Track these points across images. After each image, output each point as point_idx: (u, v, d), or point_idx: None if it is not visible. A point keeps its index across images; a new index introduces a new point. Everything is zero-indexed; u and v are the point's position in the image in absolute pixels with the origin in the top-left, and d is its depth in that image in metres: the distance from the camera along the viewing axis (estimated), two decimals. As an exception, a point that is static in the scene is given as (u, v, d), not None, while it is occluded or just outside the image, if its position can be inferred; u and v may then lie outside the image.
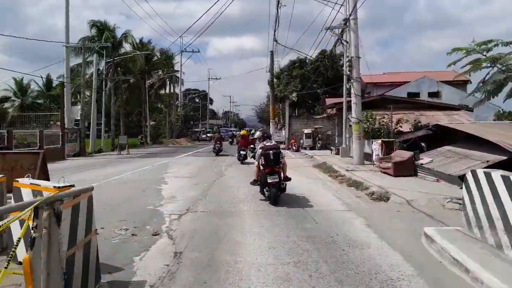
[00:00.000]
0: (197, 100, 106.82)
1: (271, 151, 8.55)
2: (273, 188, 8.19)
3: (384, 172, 12.29)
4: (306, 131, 28.71)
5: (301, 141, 29.23)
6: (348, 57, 16.43)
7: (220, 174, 14.12)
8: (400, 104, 20.89)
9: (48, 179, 7.03)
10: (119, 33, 37.04)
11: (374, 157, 14.79)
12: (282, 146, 30.76)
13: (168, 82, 54.37)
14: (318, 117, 31.84)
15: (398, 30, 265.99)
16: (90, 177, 13.09)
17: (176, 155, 24.80)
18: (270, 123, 21.18)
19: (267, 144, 8.98)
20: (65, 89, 25.64)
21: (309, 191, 10.13)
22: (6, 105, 77.26)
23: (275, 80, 36.18)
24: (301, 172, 14.40)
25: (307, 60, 39.07)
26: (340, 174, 13.10)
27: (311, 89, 39.56)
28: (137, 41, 42.14)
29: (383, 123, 17.75)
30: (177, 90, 59.24)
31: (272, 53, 36.43)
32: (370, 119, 18.10)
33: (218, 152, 23.17)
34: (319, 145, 28.16)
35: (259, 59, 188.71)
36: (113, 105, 35.49)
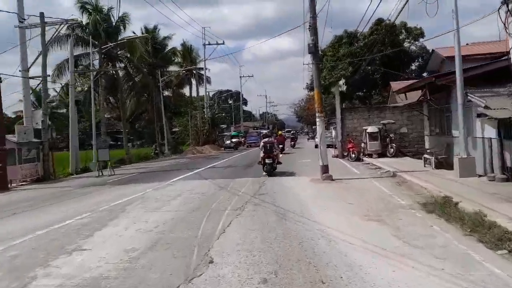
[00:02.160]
0: (230, 102, 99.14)
1: (268, 144, 14.78)
2: (269, 166, 14.31)
3: None
4: (369, 129, 19.22)
5: (362, 144, 19.83)
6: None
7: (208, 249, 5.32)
8: None
9: None
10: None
11: None
12: (332, 152, 21.67)
13: (192, 81, 46.68)
14: (386, 106, 22.00)
15: None
16: None
17: (178, 174, 16.41)
18: (317, 119, 11.86)
19: (266, 140, 15.27)
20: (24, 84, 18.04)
21: None
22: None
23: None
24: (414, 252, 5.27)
25: (358, 35, 29.49)
26: None
27: (365, 72, 29.87)
28: (143, 29, 34.50)
29: None
30: (202, 90, 51.49)
31: None
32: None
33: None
34: (392, 150, 18.61)
35: (296, 59, 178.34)
36: (93, 107, 27.50)
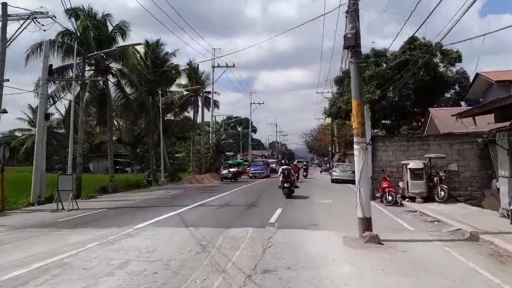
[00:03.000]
0: (239, 129, 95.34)
1: (285, 171, 17.06)
2: (287, 189, 16.77)
3: None
4: (412, 164, 14.64)
5: (401, 184, 15.31)
6: None
7: None
8: None
9: None
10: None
11: None
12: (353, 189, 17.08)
13: (198, 104, 42.94)
14: (430, 136, 17.45)
15: None
16: None
17: (153, 215, 12.06)
18: (355, 146, 7.38)
19: (284, 167, 17.95)
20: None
21: None
22: (18, 134, 70.20)
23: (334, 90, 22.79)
24: None
25: (387, 54, 25.54)
26: None
27: (395, 98, 25.69)
28: (144, 43, 31.08)
29: None
30: (209, 115, 47.78)
31: None
32: None
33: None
34: (443, 194, 14.04)
35: (306, 91, 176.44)
36: (72, 124, 23.47)
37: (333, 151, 50.45)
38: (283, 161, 33.59)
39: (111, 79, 26.71)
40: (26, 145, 58.94)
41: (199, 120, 44.53)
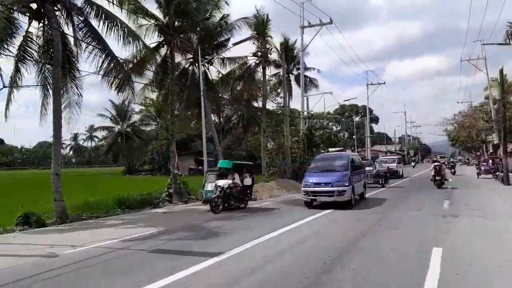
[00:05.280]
0: (356, 119, 78.87)
1: (437, 166, 20.59)
2: (438, 181, 20.34)
3: None
4: None
5: None
6: None
7: None
8: None
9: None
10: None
11: None
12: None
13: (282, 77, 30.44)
14: None
15: None
16: None
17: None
18: None
19: (435, 164, 21.22)
20: None
21: None
22: (102, 133, 67.21)
23: None
24: None
25: None
26: None
27: None
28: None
29: None
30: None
31: None
32: None
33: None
34: None
35: (443, 78, 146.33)
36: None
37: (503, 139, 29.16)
38: (434, 158, 36.42)
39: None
40: (107, 143, 55.28)
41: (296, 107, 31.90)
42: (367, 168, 21.02)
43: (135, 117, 54.44)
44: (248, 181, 14.95)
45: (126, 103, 49.37)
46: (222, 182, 13.77)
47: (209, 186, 14.09)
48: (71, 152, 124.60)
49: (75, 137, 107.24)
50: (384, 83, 53.44)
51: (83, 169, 75.24)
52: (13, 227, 11.20)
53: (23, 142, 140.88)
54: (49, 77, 14.59)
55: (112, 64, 15.04)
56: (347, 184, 13.60)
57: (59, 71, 13.34)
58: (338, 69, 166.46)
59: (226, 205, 13.87)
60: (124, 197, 16.03)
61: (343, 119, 78.56)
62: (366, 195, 17.16)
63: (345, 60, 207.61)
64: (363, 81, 52.01)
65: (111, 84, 15.67)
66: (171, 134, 19.99)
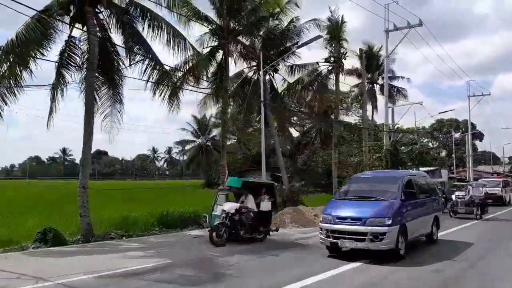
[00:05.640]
0: (456, 135, 69.55)
1: None
2: None
3: None
4: None
5: None
6: None
7: None
8: None
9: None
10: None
11: None
12: None
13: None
14: None
15: None
16: None
17: None
18: None
19: None
20: None
21: None
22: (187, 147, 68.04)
23: None
24: None
25: None
26: None
27: None
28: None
29: None
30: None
31: None
32: None
33: None
34: None
35: None
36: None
37: None
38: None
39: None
40: (189, 156, 56.15)
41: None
42: (457, 193, 16.72)
43: (215, 131, 54.77)
44: (266, 205, 11.68)
45: (208, 117, 49.80)
46: (228, 206, 10.93)
47: (218, 210, 11.45)
48: (165, 165, 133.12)
49: (169, 150, 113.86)
50: (489, 94, 46.10)
51: (173, 181, 78.92)
52: (27, 244, 10.25)
53: (124, 154, 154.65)
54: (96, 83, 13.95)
55: (158, 71, 13.92)
56: (389, 222, 8.53)
57: (92, 75, 12.46)
58: (436, 82, 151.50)
59: (236, 236, 10.81)
60: (164, 214, 14.57)
61: (439, 135, 70.06)
62: (446, 232, 12.61)
63: (445, 71, 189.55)
64: (466, 94, 44.95)
65: (160, 93, 14.53)
66: (222, 146, 18.42)
